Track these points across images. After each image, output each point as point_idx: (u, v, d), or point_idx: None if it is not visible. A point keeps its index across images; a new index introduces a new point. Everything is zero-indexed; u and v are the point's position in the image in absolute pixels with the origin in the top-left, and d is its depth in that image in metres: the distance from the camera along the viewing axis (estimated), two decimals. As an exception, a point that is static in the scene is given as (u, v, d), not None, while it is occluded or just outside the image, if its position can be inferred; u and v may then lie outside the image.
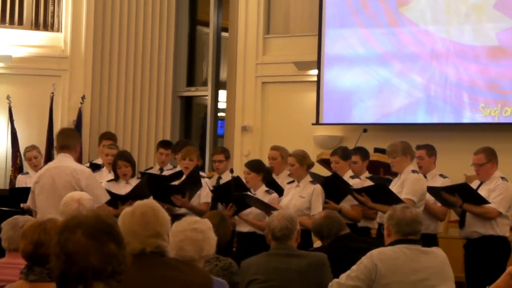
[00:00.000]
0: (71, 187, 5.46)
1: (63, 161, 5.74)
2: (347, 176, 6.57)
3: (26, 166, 9.38)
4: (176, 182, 6.76)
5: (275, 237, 4.40)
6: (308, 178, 6.39)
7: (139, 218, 3.03)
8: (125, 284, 2.19)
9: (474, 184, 6.43)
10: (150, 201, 3.19)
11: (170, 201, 6.44)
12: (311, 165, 6.47)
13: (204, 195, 6.65)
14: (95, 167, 7.17)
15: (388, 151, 6.30)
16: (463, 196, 6.11)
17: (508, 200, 6.16)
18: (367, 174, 6.95)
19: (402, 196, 5.94)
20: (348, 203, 6.42)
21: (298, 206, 6.22)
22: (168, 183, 6.84)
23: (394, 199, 5.67)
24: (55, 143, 6.16)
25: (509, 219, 6.25)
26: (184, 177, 6.77)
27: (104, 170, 7.23)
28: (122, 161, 6.70)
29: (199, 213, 5.87)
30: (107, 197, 5.84)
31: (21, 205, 7.10)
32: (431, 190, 6.28)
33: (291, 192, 6.43)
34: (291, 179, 6.65)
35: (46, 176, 5.72)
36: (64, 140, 5.83)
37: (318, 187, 6.30)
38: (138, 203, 3.17)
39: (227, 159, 7.28)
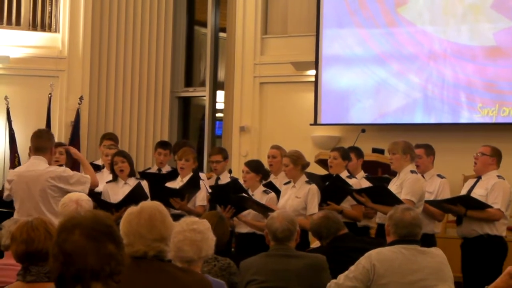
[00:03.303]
0: (49, 193, 5.46)
1: (36, 164, 5.61)
2: (343, 176, 6.55)
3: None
4: (174, 183, 6.76)
5: (276, 238, 4.38)
6: (304, 178, 6.37)
7: (147, 220, 2.99)
8: (123, 286, 2.19)
9: (470, 183, 6.45)
10: (157, 203, 3.13)
11: (169, 203, 6.42)
12: (305, 165, 6.42)
13: (200, 198, 6.63)
14: (95, 168, 7.16)
15: (389, 148, 6.33)
16: (465, 205, 6.13)
17: (507, 199, 6.17)
18: (362, 173, 6.95)
19: (402, 196, 5.94)
20: (347, 203, 6.43)
21: (294, 207, 6.20)
22: (165, 181, 6.83)
23: (394, 200, 5.68)
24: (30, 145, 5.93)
25: (507, 218, 6.26)
26: (179, 177, 6.77)
27: (105, 171, 7.22)
28: (118, 157, 6.67)
29: (196, 216, 5.85)
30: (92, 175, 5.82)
31: None
32: (432, 203, 6.29)
33: (287, 193, 6.41)
34: (288, 180, 6.65)
35: (19, 181, 5.60)
36: (39, 142, 5.68)
37: (313, 187, 6.28)
38: (145, 203, 3.12)
39: (225, 159, 7.27)
